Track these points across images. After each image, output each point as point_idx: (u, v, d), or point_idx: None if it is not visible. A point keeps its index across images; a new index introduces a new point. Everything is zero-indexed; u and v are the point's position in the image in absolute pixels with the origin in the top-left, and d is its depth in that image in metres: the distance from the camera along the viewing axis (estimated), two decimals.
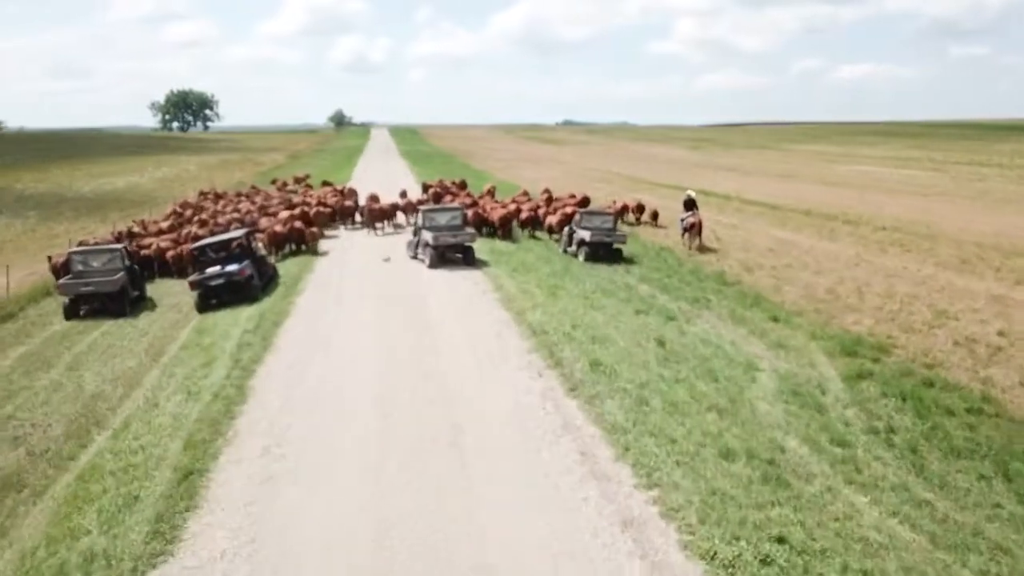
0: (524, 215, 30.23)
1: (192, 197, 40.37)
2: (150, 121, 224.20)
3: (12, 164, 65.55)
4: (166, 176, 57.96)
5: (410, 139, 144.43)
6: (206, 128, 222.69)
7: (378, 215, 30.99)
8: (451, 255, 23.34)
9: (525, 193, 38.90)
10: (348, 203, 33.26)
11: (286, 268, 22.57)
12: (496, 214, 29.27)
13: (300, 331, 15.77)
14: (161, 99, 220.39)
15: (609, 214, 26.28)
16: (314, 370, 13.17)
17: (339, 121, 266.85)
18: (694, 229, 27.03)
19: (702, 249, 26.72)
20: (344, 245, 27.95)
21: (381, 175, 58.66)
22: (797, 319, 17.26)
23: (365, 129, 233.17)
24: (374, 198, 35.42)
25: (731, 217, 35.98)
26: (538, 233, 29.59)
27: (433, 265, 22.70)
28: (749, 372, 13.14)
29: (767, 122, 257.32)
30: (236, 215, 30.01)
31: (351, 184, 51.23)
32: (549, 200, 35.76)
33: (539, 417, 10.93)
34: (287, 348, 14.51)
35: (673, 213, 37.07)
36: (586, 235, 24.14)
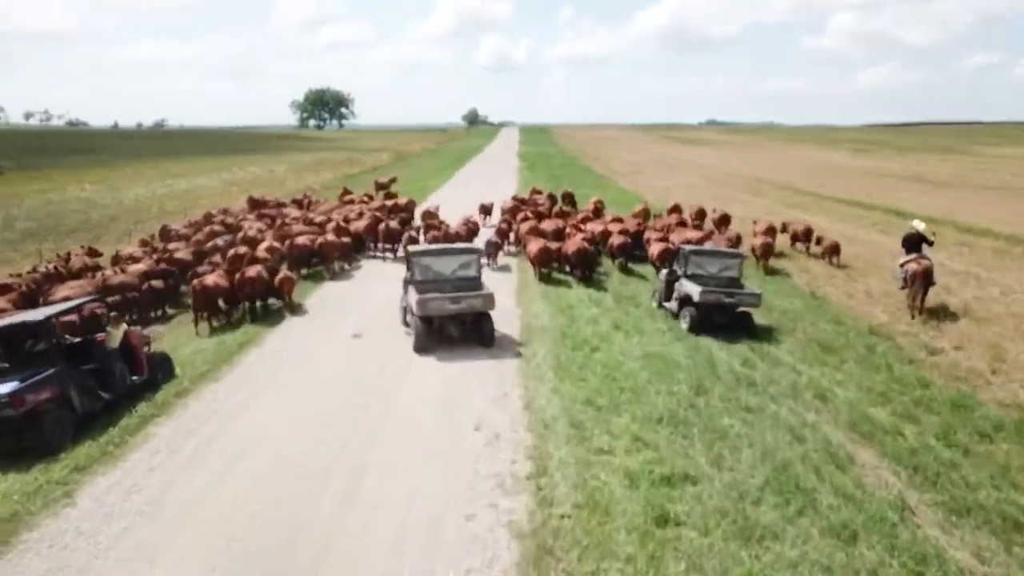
0: (617, 240, 20.45)
1: (233, 207, 32.35)
2: (293, 119, 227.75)
3: (89, 163, 61.52)
4: (243, 178, 51.17)
5: (537, 139, 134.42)
6: (341, 126, 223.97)
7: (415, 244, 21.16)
8: (452, 331, 13.80)
9: (644, 210, 28.02)
10: (394, 224, 23.49)
11: (194, 356, 12.99)
12: (572, 245, 19.12)
13: None
14: (301, 98, 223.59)
15: (734, 256, 16.60)
16: None
17: (472, 120, 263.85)
18: (917, 281, 16.38)
19: (921, 309, 16.37)
20: (350, 294, 18.28)
21: (482, 182, 48.91)
22: None
23: (495, 128, 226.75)
24: (431, 215, 25.74)
25: (959, 259, 23.48)
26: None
27: (420, 347, 13.34)
28: None
29: (941, 122, 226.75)
30: (217, 244, 21.12)
31: (440, 193, 42.62)
32: (676, 223, 24.94)
33: None
34: None
35: (863, 248, 25.08)
36: (694, 290, 14.90)
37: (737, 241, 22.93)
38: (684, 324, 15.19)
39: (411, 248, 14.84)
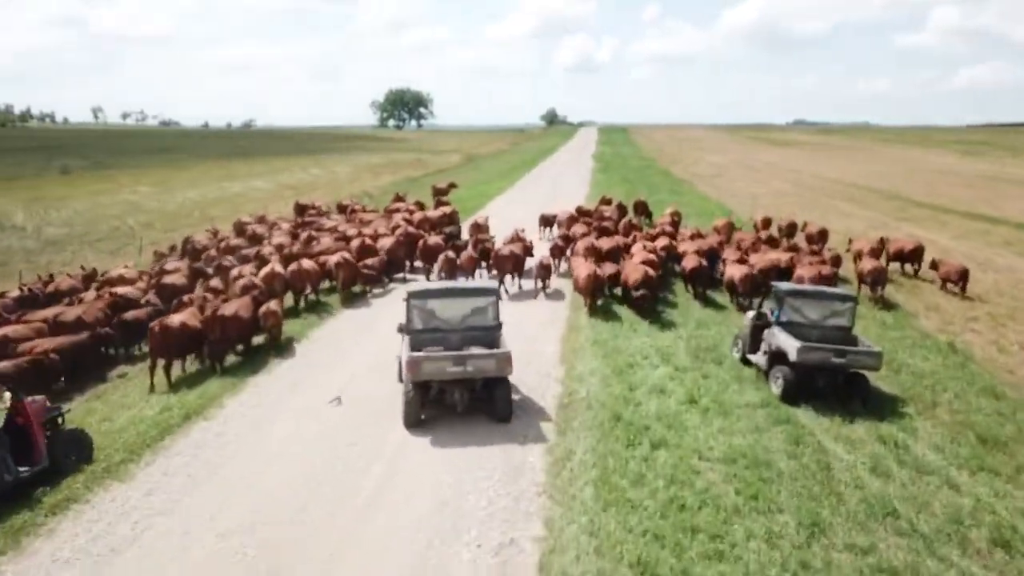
0: (689, 264, 17.33)
1: (273, 213, 29.90)
2: (374, 119, 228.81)
3: (160, 163, 60.95)
4: (301, 180, 49.21)
5: (615, 139, 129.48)
6: (419, 126, 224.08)
7: (453, 266, 17.73)
8: (456, 398, 10.40)
9: (728, 224, 23.95)
10: (433, 240, 20.13)
11: (125, 429, 9.91)
12: (633, 271, 15.94)
13: None
14: (381, 98, 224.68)
15: (845, 298, 12.57)
16: None
17: (551, 120, 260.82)
18: None
19: None
20: (356, 331, 15.06)
21: (549, 187, 45.37)
22: None
23: (573, 128, 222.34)
24: (479, 228, 22.44)
25: None
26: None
27: (411, 421, 10.15)
28: None
29: None
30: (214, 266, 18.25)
31: (502, 199, 39.25)
32: (762, 240, 20.99)
33: None
34: None
35: (1002, 277, 20.40)
36: (791, 345, 11.35)
37: (837, 263, 18.71)
38: (775, 389, 11.41)
39: (410, 289, 11.43)
